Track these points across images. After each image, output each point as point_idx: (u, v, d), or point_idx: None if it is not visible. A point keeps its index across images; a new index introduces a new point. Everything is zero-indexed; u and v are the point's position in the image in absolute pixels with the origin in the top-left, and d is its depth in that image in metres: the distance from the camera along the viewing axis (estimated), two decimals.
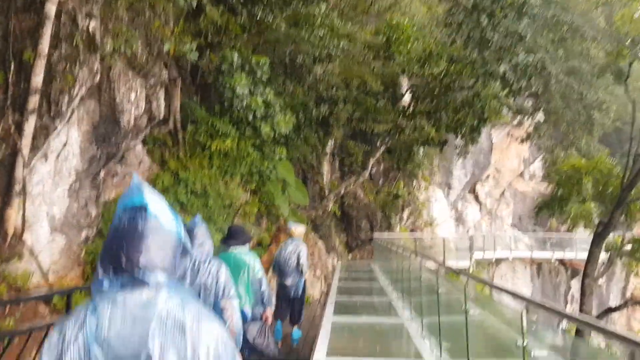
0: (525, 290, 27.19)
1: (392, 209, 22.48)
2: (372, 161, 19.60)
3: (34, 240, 5.69)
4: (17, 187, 5.70)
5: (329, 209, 18.62)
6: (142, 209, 1.56)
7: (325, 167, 19.53)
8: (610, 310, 13.06)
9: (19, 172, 5.74)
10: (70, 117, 6.57)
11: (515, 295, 3.62)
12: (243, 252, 5.05)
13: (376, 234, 19.95)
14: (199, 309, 1.54)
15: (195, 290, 3.60)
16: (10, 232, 5.46)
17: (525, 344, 2.92)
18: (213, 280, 3.67)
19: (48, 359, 1.45)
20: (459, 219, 30.64)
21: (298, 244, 7.70)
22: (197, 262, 3.70)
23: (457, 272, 6.18)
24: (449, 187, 29.54)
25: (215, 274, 3.69)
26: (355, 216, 21.22)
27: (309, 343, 7.29)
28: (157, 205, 1.60)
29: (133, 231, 1.53)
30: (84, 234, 6.34)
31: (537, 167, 34.06)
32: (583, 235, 27.05)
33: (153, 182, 8.59)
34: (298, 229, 7.93)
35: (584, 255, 27.30)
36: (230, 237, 5.16)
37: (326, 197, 18.27)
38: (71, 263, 6.06)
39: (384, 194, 22.61)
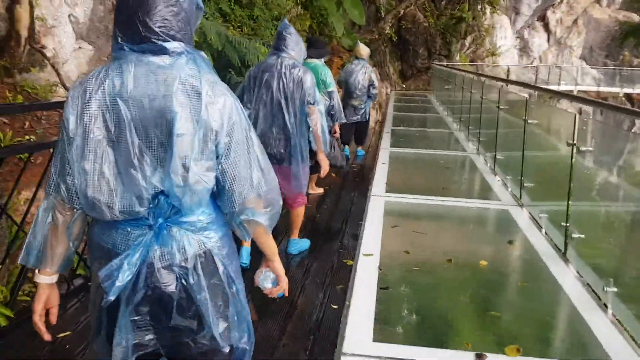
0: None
1: (453, 34, 20.53)
2: None
3: (57, 47, 4.95)
4: None
5: (386, 32, 17.06)
6: None
7: None
8: None
9: None
10: None
11: None
12: (318, 65, 4.99)
13: (434, 63, 18.50)
14: (215, 80, 1.49)
15: (279, 94, 3.61)
16: (24, 35, 4.67)
17: None
18: (298, 86, 3.62)
19: (72, 111, 1.41)
20: (524, 49, 28.32)
21: (366, 65, 7.41)
22: (284, 66, 3.62)
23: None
24: (517, 12, 26.89)
25: (299, 79, 3.63)
26: (413, 42, 19.54)
27: (366, 175, 6.72)
28: None
29: None
30: None
31: None
32: None
33: None
34: (365, 49, 7.61)
35: None
36: (309, 46, 5.00)
37: (382, 19, 16.60)
38: None
39: (446, 18, 20.53)
